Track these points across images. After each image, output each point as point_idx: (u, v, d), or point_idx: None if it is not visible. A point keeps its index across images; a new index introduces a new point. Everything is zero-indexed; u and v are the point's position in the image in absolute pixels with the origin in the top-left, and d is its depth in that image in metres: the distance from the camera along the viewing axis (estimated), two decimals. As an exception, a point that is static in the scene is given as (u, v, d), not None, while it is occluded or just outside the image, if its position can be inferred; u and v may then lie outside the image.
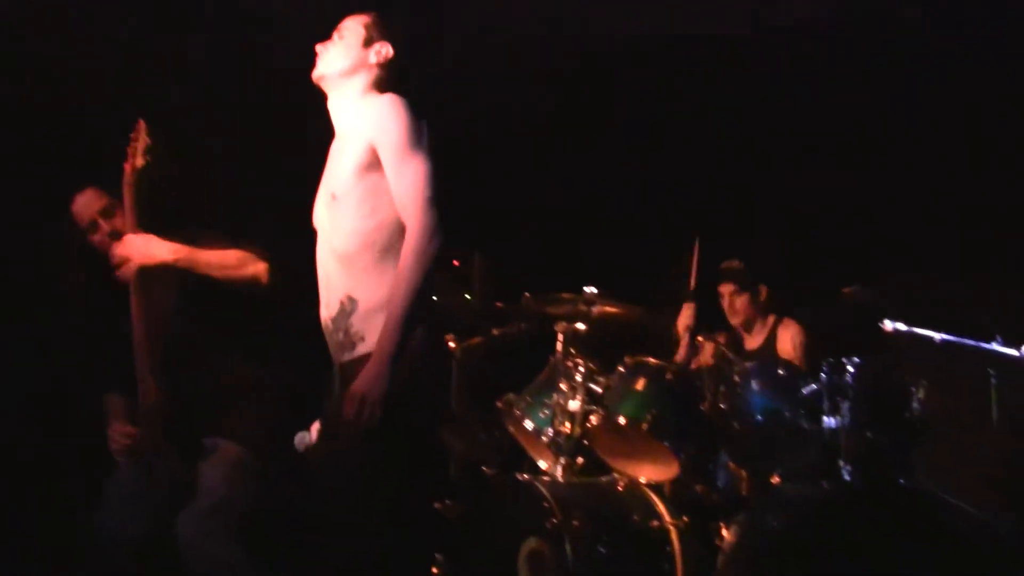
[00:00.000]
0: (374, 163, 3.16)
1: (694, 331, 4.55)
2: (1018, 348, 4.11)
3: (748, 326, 5.01)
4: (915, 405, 4.01)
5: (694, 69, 5.62)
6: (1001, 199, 4.87)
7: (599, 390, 4.20)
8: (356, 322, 3.16)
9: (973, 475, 4.46)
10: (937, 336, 4.13)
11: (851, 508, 3.77)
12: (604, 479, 4.20)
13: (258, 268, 3.88)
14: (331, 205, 3.25)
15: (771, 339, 5.02)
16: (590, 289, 4.24)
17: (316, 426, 3.33)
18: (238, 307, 3.92)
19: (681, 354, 4.47)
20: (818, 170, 5.47)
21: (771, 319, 5.04)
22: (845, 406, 3.90)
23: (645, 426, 4.02)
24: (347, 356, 3.20)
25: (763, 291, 5.00)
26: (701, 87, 5.70)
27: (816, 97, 5.52)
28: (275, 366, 4.04)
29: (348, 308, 3.16)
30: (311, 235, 3.37)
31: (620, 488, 4.09)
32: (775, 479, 4.06)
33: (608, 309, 4.27)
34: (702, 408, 4.09)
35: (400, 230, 3.12)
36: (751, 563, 3.72)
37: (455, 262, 5.34)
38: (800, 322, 4.98)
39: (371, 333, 3.09)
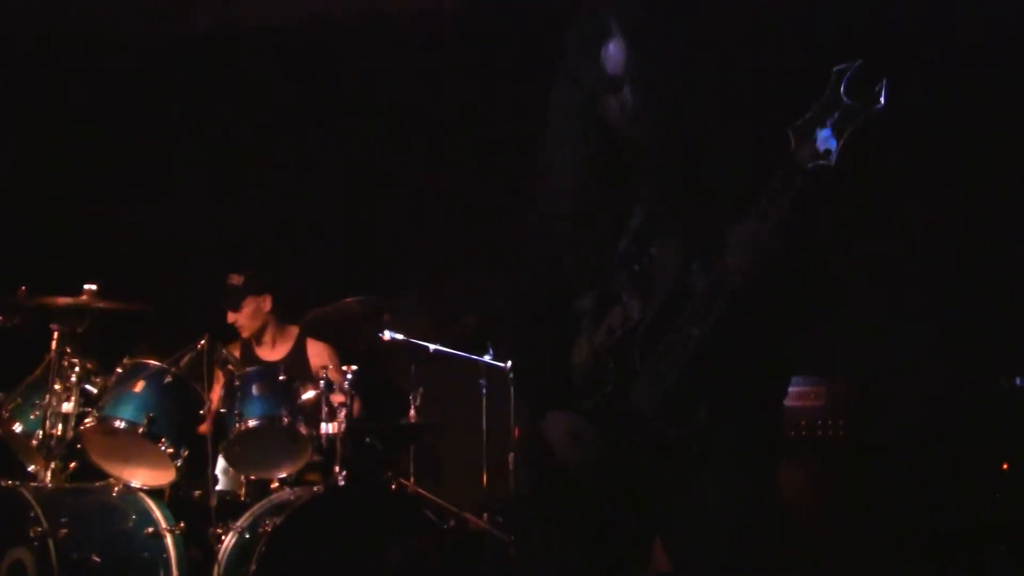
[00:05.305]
0: None
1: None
2: (505, 362, 4.46)
3: (258, 337, 4.91)
4: (411, 411, 4.24)
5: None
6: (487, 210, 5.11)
7: (95, 391, 4.03)
8: None
9: (461, 475, 4.79)
10: (431, 346, 4.39)
11: (340, 508, 3.92)
12: (98, 484, 4.03)
13: None
14: None
15: (299, 351, 4.94)
16: (90, 286, 4.04)
17: None
18: None
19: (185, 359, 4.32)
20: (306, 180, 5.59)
21: (292, 330, 4.94)
22: (342, 413, 4.03)
23: (142, 430, 3.92)
24: None
25: (267, 301, 4.89)
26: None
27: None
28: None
29: None
30: None
31: (114, 493, 3.95)
32: (273, 484, 4.11)
33: (108, 307, 4.09)
34: (201, 412, 4.06)
35: None
36: (249, 567, 3.73)
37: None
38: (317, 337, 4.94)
39: None
